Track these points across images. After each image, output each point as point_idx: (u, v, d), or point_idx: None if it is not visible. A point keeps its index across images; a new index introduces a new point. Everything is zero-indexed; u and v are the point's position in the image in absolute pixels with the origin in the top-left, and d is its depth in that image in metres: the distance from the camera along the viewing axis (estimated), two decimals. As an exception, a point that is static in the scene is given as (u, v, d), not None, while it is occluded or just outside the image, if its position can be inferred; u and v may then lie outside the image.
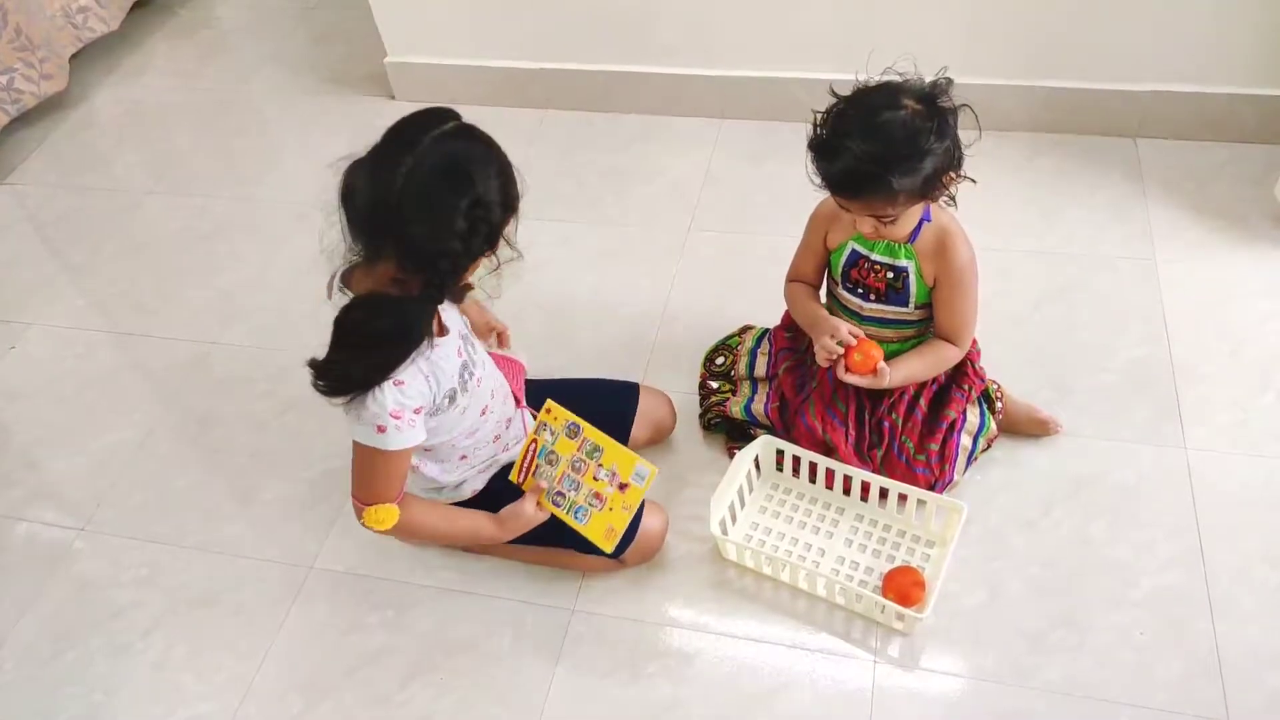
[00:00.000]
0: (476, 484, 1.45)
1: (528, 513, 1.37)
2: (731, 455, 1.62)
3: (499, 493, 1.44)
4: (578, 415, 1.37)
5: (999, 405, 1.59)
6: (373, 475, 1.26)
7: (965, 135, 1.31)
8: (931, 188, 1.31)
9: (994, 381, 1.61)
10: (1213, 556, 1.46)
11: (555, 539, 1.43)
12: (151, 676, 1.48)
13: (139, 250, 2.23)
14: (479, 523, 1.39)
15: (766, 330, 1.73)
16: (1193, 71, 2.04)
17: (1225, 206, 1.98)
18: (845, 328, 1.44)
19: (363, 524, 1.29)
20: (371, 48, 2.51)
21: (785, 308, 1.68)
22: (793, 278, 1.60)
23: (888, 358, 1.48)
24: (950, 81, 1.29)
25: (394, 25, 2.41)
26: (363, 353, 1.17)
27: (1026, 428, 1.62)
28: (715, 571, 1.52)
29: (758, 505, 1.59)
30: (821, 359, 1.45)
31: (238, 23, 3.01)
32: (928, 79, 1.30)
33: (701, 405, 1.70)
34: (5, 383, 1.96)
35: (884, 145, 1.25)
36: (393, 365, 1.17)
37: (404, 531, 1.33)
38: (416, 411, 1.22)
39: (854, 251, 1.48)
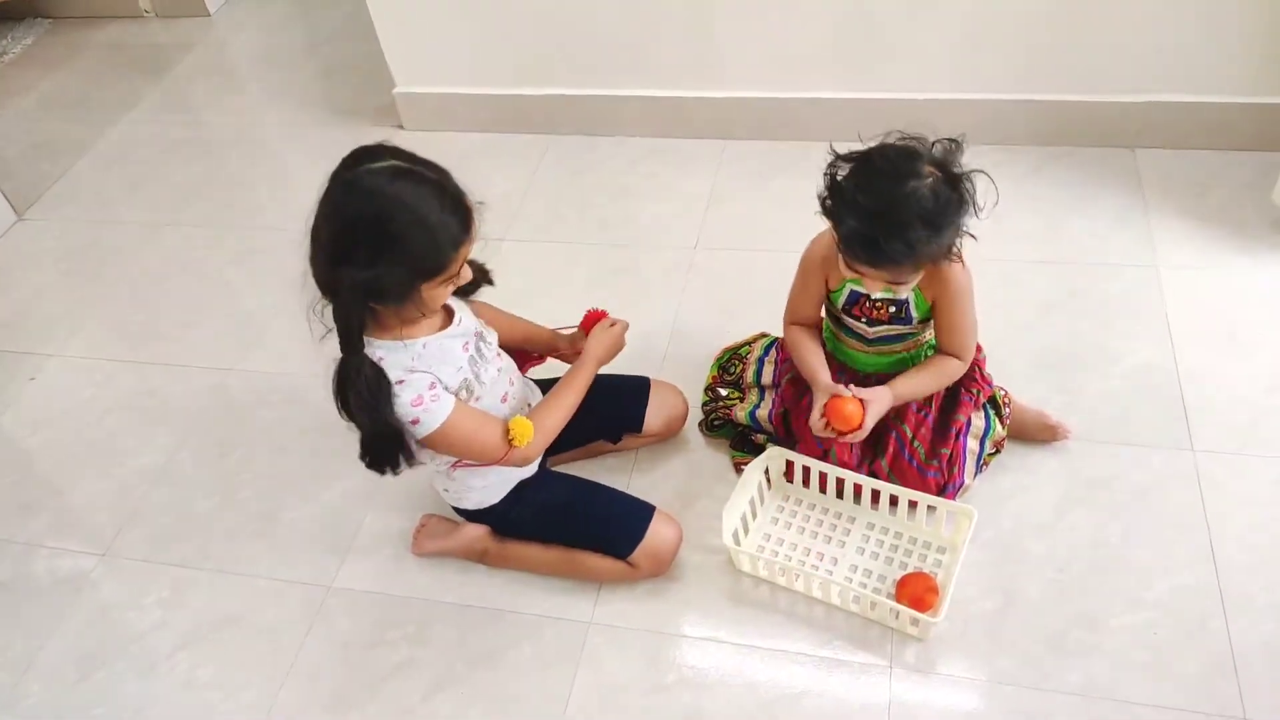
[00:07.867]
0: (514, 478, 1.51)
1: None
2: (740, 472, 1.64)
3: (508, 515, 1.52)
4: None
5: (1006, 411, 1.61)
6: (463, 440, 1.32)
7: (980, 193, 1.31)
8: (949, 252, 1.34)
9: (1001, 388, 1.63)
10: (1225, 556, 1.47)
11: (573, 538, 1.50)
12: (178, 696, 1.50)
13: (157, 281, 2.27)
14: (577, 381, 1.46)
15: (775, 339, 1.76)
16: (1188, 82, 2.07)
17: (1224, 213, 2.01)
18: (831, 393, 1.44)
19: (519, 450, 1.35)
20: (380, 79, 2.57)
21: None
22: (792, 320, 1.59)
23: (895, 368, 1.54)
24: (962, 147, 1.29)
25: (401, 57, 2.47)
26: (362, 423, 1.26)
27: (1036, 433, 1.64)
28: (730, 582, 1.54)
29: (769, 516, 1.60)
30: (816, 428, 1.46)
31: (250, 58, 3.08)
32: (932, 139, 1.29)
33: (705, 408, 1.73)
34: (28, 412, 2.00)
35: (910, 222, 1.23)
36: (370, 417, 1.25)
37: (541, 434, 1.38)
38: (432, 387, 1.28)
39: (853, 292, 1.49)
